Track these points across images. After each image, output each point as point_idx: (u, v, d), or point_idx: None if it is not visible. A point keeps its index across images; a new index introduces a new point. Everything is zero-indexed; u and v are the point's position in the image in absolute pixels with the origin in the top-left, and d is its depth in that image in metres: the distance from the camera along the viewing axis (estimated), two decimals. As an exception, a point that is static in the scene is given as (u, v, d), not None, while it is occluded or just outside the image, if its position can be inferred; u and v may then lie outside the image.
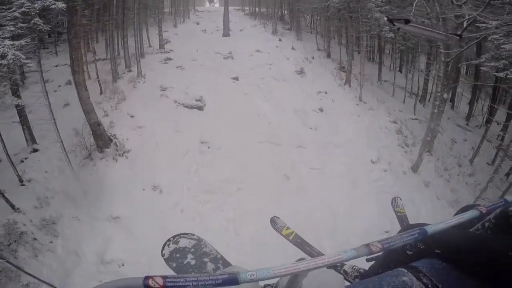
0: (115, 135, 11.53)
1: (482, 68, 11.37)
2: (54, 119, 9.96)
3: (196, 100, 13.22)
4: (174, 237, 1.83)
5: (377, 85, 17.74)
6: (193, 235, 1.88)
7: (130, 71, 15.68)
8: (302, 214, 10.02)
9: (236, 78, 15.25)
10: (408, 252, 1.30)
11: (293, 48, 19.81)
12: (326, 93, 15.22)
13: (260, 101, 13.91)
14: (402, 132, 14.33)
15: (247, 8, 26.66)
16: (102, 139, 10.95)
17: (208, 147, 11.60)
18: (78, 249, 9.88)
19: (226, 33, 21.14)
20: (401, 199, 3.08)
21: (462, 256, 1.12)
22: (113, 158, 11.02)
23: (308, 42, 21.33)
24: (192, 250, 1.85)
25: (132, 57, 16.29)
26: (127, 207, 10.19)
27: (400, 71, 19.96)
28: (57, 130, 10.14)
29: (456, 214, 1.40)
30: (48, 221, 10.33)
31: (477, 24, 11.09)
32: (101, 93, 14.17)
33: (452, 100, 18.25)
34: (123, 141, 11.41)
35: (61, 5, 9.27)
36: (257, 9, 25.66)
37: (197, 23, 23.87)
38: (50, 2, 9.09)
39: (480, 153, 15.13)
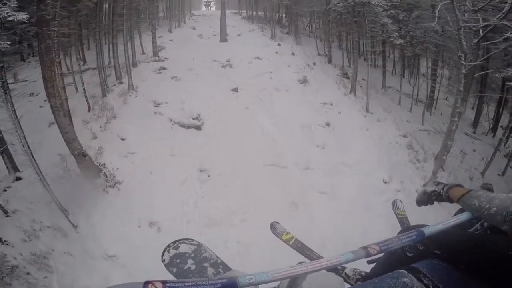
0: (104, 164, 9.82)
1: (508, 83, 9.92)
2: (31, 153, 8.21)
3: (193, 119, 11.52)
4: (174, 242, 1.64)
5: (382, 92, 16.17)
6: (193, 240, 1.66)
7: (121, 83, 13.88)
8: (313, 243, 8.54)
9: (236, 90, 13.55)
10: (408, 253, 1.22)
11: (293, 54, 18.10)
12: (331, 104, 13.61)
13: (262, 116, 12.25)
14: (413, 147, 12.83)
15: (244, 11, 24.72)
16: (89, 170, 9.27)
17: (208, 175, 9.97)
18: (75, 286, 8.52)
19: (224, 38, 19.33)
20: (401, 202, 2.85)
21: (463, 256, 1.05)
22: (104, 190, 9.37)
23: (308, 46, 19.62)
24: (192, 255, 1.69)
25: (124, 67, 14.51)
26: (123, 245, 8.67)
27: (403, 76, 18.44)
28: (36, 164, 8.43)
29: (455, 215, 1.34)
30: (39, 255, 8.93)
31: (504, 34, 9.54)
32: (89, 109, 12.41)
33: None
34: (113, 171, 9.74)
35: (22, 16, 7.45)
36: (254, 12, 23.76)
37: (193, 28, 21.95)
38: (7, 13, 7.26)
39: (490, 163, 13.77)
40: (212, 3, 26.43)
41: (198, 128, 11.36)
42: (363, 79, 16.94)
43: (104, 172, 9.62)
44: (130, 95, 13.16)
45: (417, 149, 12.96)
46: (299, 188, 10.52)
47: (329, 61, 18.10)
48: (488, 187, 1.38)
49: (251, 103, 12.83)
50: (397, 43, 13.51)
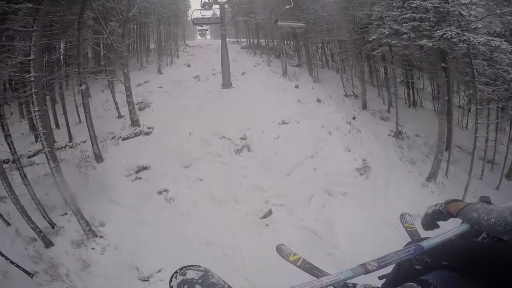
0: None
1: None
2: None
3: None
4: (181, 269, 1.12)
5: (451, 157, 8.45)
6: (200, 266, 1.14)
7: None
8: None
9: (269, 213, 5.57)
10: (416, 266, 0.90)
11: (319, 101, 9.93)
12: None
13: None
14: None
15: (243, 39, 15.70)
16: None
17: None
18: None
19: (227, 83, 10.73)
20: (409, 215, 1.78)
21: (473, 266, 0.77)
22: None
23: (329, 83, 11.39)
24: (200, 281, 1.15)
25: (83, 164, 6.23)
26: None
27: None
28: None
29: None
30: None
31: None
32: (29, 275, 4.47)
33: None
34: None
35: None
36: (255, 40, 14.86)
37: (188, 65, 13.04)
38: None
39: None
40: (207, 32, 17.33)
41: None
42: (416, 135, 9.21)
43: None
44: (93, 248, 5.09)
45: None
46: None
47: (364, 106, 10.09)
48: (486, 200, 0.97)
49: (302, 246, 4.90)
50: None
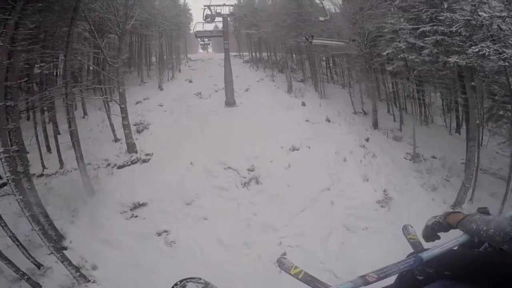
0: None
1: None
2: None
3: None
4: (181, 281, 1.03)
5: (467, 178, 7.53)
6: (200, 279, 1.04)
7: (61, 253, 4.66)
8: None
9: (283, 257, 4.69)
10: (418, 276, 0.87)
11: (328, 120, 9.09)
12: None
13: None
14: None
15: (246, 53, 14.96)
16: None
17: None
18: None
19: (230, 100, 9.91)
20: (412, 227, 1.56)
21: (475, 275, 0.74)
22: None
23: (335, 99, 10.61)
24: None
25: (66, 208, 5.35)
26: None
27: (457, 131, 9.81)
28: None
29: None
30: None
31: None
32: None
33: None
34: None
35: None
36: (257, 54, 14.12)
37: (190, 81, 12.27)
38: None
39: None
40: (209, 45, 16.67)
41: None
42: (433, 157, 8.25)
43: None
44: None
45: None
46: None
47: (376, 125, 9.24)
48: (484, 211, 0.94)
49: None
50: None
